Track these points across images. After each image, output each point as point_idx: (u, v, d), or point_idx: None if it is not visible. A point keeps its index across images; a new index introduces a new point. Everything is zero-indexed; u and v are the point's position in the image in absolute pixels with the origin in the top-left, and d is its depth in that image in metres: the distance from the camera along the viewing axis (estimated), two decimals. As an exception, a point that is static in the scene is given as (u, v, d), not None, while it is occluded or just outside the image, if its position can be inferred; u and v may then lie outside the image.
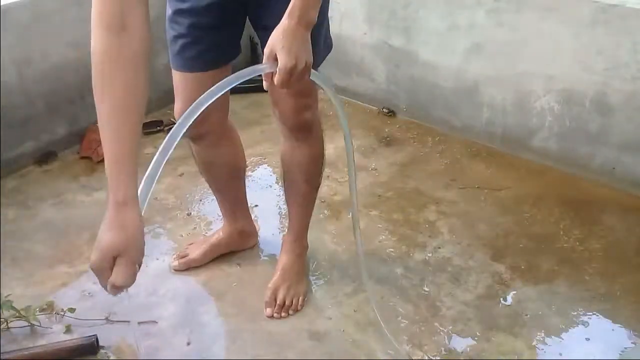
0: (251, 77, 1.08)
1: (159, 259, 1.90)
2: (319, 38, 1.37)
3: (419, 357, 1.53)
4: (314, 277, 1.79)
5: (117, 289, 0.96)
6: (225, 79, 1.05)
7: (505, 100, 2.25)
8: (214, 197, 1.86)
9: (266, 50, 1.15)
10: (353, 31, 2.58)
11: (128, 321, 1.66)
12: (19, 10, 2.19)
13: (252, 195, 2.16)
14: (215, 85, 1.03)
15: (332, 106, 2.70)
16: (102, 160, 2.46)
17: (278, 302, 1.67)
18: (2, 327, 1.63)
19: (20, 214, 2.12)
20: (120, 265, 0.95)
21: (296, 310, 1.67)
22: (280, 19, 1.16)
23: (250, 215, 1.90)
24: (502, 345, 1.56)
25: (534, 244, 1.88)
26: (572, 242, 1.88)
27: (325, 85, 1.24)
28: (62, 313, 1.67)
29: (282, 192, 2.17)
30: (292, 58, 1.12)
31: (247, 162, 2.33)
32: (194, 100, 1.01)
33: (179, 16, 1.40)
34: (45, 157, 2.38)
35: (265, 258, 1.88)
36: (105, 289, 0.97)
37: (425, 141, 2.43)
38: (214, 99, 1.02)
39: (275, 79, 1.14)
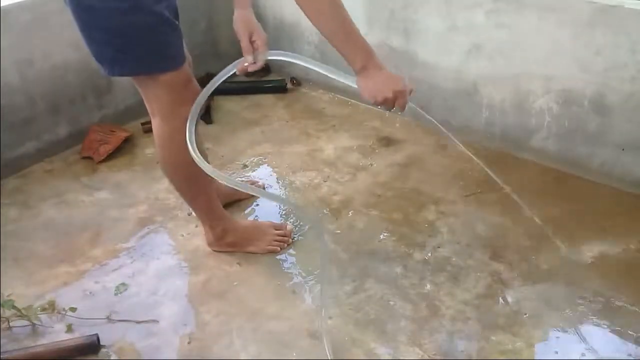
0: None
1: (159, 258, 1.91)
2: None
3: (419, 357, 1.54)
4: (314, 277, 1.80)
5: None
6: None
7: (504, 100, 2.26)
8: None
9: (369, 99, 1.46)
10: (353, 32, 2.58)
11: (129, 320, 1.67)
12: (20, 11, 2.20)
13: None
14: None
15: (331, 106, 2.72)
16: (103, 161, 2.50)
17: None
18: (3, 326, 1.64)
19: (22, 213, 2.13)
20: None
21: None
22: None
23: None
24: (501, 344, 1.56)
25: (532, 243, 1.89)
26: (571, 241, 1.89)
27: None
28: (64, 312, 1.68)
29: (283, 192, 2.20)
30: (381, 97, 1.43)
31: (247, 162, 2.36)
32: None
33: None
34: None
35: (266, 258, 1.88)
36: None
37: (424, 141, 2.44)
38: None
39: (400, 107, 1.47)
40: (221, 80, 1.58)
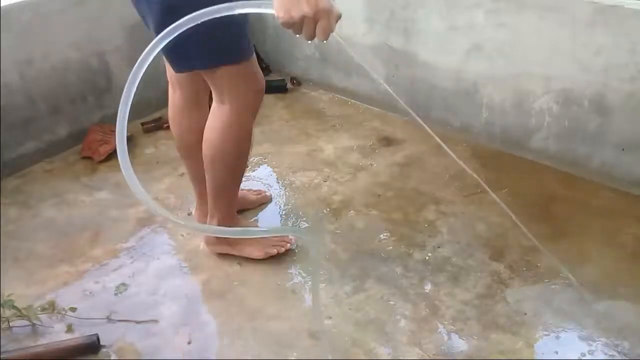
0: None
1: (159, 258, 1.90)
2: (208, 39, 1.45)
3: (419, 357, 1.54)
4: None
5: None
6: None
7: (504, 100, 2.26)
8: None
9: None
10: (353, 31, 2.58)
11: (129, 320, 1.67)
12: (20, 10, 2.20)
13: (253, 195, 2.18)
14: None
15: (331, 106, 2.72)
16: (103, 160, 2.50)
17: None
18: (3, 326, 1.64)
19: (22, 213, 2.13)
20: None
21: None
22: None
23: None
24: (501, 344, 1.56)
25: (532, 243, 1.88)
26: (571, 241, 1.89)
27: None
28: (64, 312, 1.68)
29: (283, 192, 2.20)
30: (297, 13, 1.09)
31: (247, 162, 2.36)
32: None
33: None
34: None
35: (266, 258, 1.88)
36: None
37: (424, 141, 2.44)
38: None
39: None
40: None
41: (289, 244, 1.88)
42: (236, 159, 1.72)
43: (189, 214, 2.08)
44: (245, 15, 1.50)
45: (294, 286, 1.77)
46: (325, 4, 1.09)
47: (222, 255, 1.88)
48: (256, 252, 1.86)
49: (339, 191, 2.17)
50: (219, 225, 1.85)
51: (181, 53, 1.52)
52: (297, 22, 1.10)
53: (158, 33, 1.21)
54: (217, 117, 1.66)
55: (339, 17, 1.13)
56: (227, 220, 1.84)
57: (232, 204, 1.84)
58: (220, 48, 1.52)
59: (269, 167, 2.34)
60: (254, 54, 1.61)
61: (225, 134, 1.67)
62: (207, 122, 1.69)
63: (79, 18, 2.35)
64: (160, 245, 1.96)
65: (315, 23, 1.10)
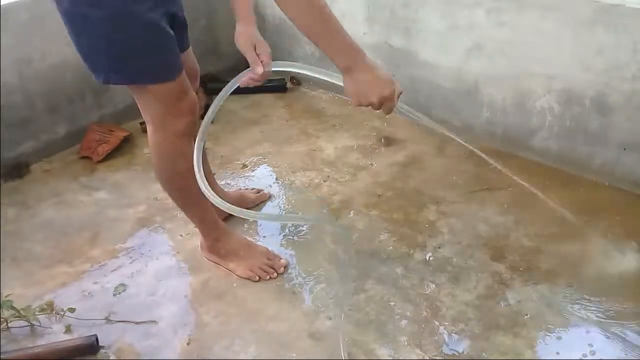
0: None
1: (158, 259, 1.90)
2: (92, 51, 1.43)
3: (419, 357, 1.53)
4: (314, 277, 1.79)
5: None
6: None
7: (505, 100, 2.25)
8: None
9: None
10: (353, 31, 2.53)
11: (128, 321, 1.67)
12: (19, 10, 2.19)
13: (252, 195, 2.17)
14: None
15: (331, 106, 2.72)
16: (102, 160, 2.49)
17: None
18: (2, 326, 1.63)
19: (20, 213, 2.12)
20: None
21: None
22: None
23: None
24: (502, 345, 1.55)
25: (533, 244, 1.88)
26: (572, 242, 1.88)
27: None
28: (62, 313, 1.67)
29: (282, 192, 2.19)
30: (365, 102, 1.37)
31: (247, 162, 2.36)
32: None
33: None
34: (15, 170, 2.30)
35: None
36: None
37: (425, 141, 2.43)
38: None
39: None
40: (227, 94, 1.55)
41: (275, 274, 1.79)
42: (177, 179, 1.64)
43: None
44: (170, 31, 1.46)
45: (294, 287, 1.76)
46: (387, 93, 1.36)
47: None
48: (239, 270, 1.80)
49: (339, 191, 2.17)
50: (202, 240, 1.85)
51: (98, 65, 1.44)
52: (365, 106, 1.39)
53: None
54: (148, 137, 1.60)
55: (400, 94, 1.41)
56: (207, 229, 1.80)
57: (205, 220, 1.78)
58: (138, 65, 1.43)
59: (268, 167, 2.33)
60: (179, 74, 1.50)
61: (156, 155, 1.62)
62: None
63: (77, 17, 2.33)
64: (159, 245, 1.96)
65: (380, 107, 1.38)
